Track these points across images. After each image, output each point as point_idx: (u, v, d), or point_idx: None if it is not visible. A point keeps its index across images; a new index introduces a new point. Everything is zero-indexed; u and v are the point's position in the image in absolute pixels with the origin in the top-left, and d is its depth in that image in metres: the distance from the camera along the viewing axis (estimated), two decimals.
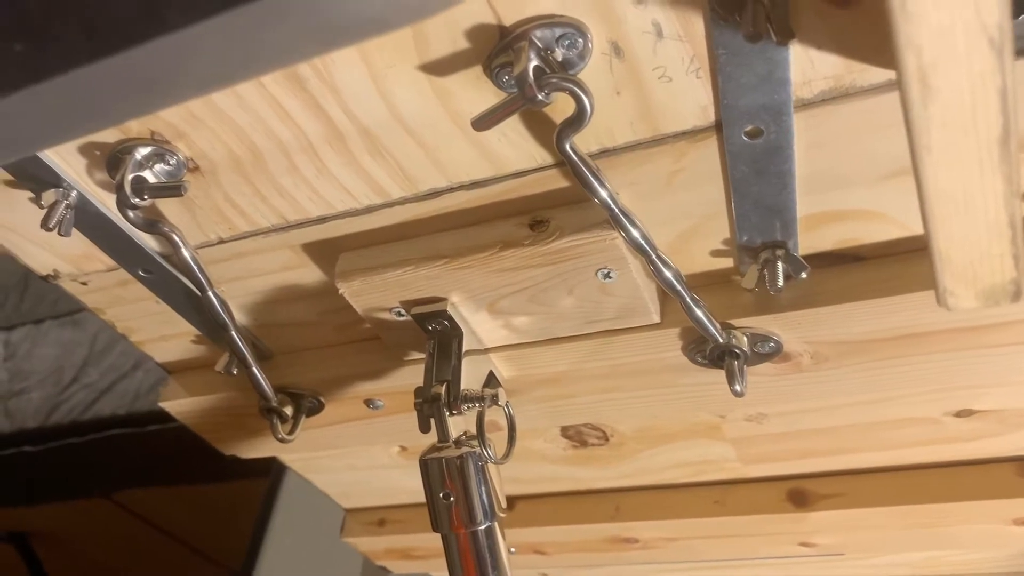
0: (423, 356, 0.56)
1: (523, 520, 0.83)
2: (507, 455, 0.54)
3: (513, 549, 0.88)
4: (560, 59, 0.40)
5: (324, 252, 0.56)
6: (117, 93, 0.25)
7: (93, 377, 2.00)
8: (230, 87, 0.37)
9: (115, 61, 0.23)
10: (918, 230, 0.48)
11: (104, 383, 1.96)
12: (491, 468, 0.53)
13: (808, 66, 0.40)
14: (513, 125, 0.45)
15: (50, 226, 0.50)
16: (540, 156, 0.47)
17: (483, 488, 0.52)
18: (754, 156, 0.44)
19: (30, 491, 2.04)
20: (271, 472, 1.35)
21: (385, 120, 0.45)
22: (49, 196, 0.51)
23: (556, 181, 0.48)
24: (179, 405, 0.70)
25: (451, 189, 0.50)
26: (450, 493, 0.52)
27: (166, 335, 0.67)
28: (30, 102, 0.24)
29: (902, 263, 0.49)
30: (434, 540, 0.54)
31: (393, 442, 0.77)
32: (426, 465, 0.53)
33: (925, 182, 0.29)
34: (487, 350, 0.59)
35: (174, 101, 0.27)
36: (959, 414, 0.63)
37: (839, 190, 0.47)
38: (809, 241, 0.50)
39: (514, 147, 0.46)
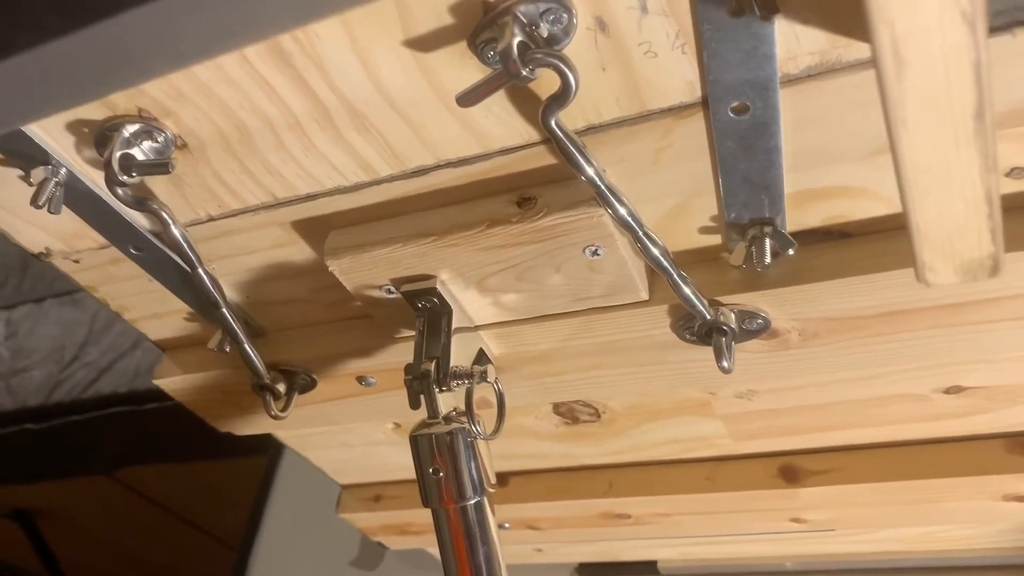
0: (414, 334, 0.56)
1: (517, 496, 0.84)
2: (496, 431, 0.55)
3: (507, 524, 0.88)
4: (545, 35, 0.40)
5: (314, 230, 0.56)
6: (94, 66, 0.25)
7: (93, 356, 2.01)
8: (210, 60, 0.37)
9: (87, 34, 0.23)
10: None
11: (104, 362, 1.97)
12: (481, 444, 0.54)
13: (793, 41, 0.40)
14: (499, 101, 0.45)
15: (40, 203, 0.50)
16: (527, 133, 0.47)
17: (472, 464, 0.53)
18: (741, 132, 0.44)
19: (33, 468, 2.06)
20: (269, 449, 1.36)
21: (371, 96, 0.45)
22: (38, 174, 0.51)
23: (543, 158, 0.48)
24: (173, 383, 0.70)
25: (438, 167, 0.50)
26: (439, 468, 0.53)
27: (159, 313, 0.67)
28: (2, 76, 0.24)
29: (889, 240, 0.49)
30: (430, 516, 0.54)
31: (386, 419, 0.78)
32: (416, 441, 0.53)
33: (902, 156, 0.29)
34: (477, 328, 0.59)
35: (152, 74, 0.27)
36: (948, 391, 0.63)
37: (826, 167, 0.47)
38: (797, 218, 0.50)
39: (500, 124, 0.46)
